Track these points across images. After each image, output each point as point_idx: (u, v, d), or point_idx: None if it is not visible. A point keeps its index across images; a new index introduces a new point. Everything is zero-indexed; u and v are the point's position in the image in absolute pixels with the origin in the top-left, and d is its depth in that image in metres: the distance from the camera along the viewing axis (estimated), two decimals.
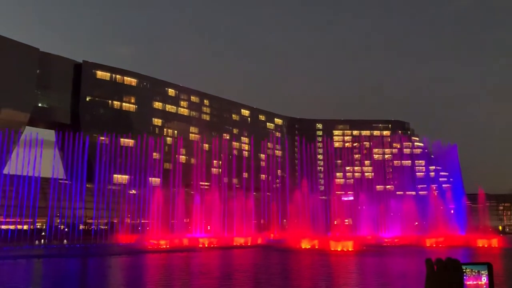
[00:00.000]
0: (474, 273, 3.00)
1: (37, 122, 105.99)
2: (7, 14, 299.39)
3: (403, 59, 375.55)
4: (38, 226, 77.56)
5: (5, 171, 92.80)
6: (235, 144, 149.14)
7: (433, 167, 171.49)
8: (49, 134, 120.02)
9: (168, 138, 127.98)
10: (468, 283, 2.98)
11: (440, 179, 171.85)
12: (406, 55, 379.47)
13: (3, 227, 72.95)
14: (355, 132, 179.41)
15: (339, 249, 59.58)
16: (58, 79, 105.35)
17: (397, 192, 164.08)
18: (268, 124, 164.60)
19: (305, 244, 65.28)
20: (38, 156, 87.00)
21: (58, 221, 79.63)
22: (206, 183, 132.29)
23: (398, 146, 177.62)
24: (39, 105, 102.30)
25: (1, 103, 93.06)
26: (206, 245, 70.27)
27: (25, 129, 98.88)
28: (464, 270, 2.99)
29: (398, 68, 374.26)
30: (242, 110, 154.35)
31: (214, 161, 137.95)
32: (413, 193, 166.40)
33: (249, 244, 72.05)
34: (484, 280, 2.99)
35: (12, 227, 73.43)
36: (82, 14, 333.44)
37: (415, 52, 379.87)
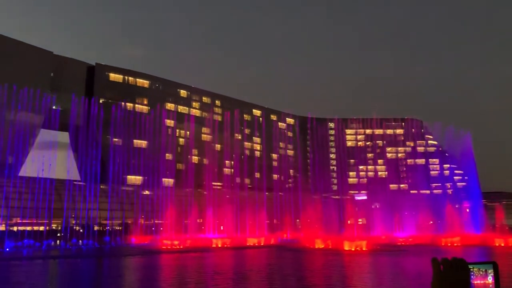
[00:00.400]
0: (481, 272, 3.00)
1: (51, 125, 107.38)
2: (21, 17, 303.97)
3: (417, 55, 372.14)
4: (54, 227, 78.51)
5: (21, 173, 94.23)
6: (247, 144, 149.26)
7: (448, 165, 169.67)
8: (64, 136, 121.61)
9: (181, 139, 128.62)
10: (475, 282, 2.98)
11: (455, 177, 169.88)
12: (420, 51, 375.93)
13: (20, 228, 74.01)
14: (368, 131, 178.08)
15: (353, 249, 59.22)
16: (72, 82, 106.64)
17: (411, 191, 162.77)
18: (280, 123, 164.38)
19: (319, 244, 65.01)
20: (52, 158, 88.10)
21: (74, 222, 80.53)
22: (218, 183, 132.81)
23: (412, 145, 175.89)
24: (53, 107, 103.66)
25: (16, 106, 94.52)
26: (220, 246, 70.38)
27: (39, 132, 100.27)
28: (472, 269, 2.98)
29: (411, 64, 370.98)
30: (253, 110, 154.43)
31: (226, 161, 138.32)
32: (427, 191, 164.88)
33: (262, 244, 72.01)
34: (490, 279, 2.99)
35: (28, 228, 74.46)
36: (94, 17, 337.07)
37: (429, 47, 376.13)
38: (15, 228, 73.89)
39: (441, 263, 3.03)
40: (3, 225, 73.56)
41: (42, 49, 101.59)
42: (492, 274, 3.00)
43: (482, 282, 2.98)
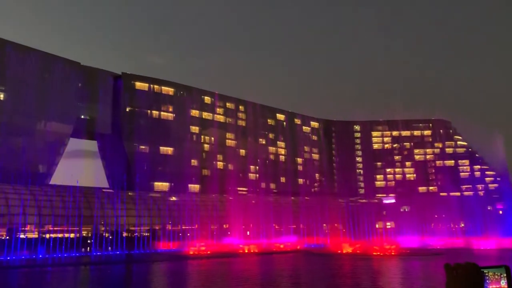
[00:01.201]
0: (496, 277, 2.97)
1: (80, 134, 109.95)
2: (49, 30, 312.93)
3: (444, 55, 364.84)
4: (84, 234, 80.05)
5: (52, 182, 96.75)
6: (271, 148, 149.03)
7: (478, 167, 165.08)
8: (92, 145, 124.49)
9: (205, 145, 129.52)
10: (490, 287, 2.94)
11: (486, 178, 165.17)
12: (446, 51, 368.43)
13: (52, 235, 75.78)
14: (395, 133, 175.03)
15: (381, 253, 58.15)
16: (99, 91, 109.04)
17: (441, 194, 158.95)
18: (304, 127, 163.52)
19: (346, 249, 64.13)
20: (81, 166, 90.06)
21: (103, 229, 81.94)
22: (243, 189, 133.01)
23: (440, 146, 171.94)
24: (82, 117, 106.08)
25: (46, 116, 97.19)
26: (246, 251, 70.30)
27: (69, 141, 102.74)
28: (487, 274, 2.95)
29: (438, 64, 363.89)
30: (277, 114, 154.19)
31: (251, 167, 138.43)
32: (458, 194, 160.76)
33: (288, 249, 71.54)
34: (503, 283, 2.95)
35: (60, 235, 76.18)
36: (119, 27, 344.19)
37: (454, 47, 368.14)
38: (47, 236, 75.70)
39: (454, 268, 2.98)
40: (36, 233, 75.47)
41: (70, 60, 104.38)
42: (505, 277, 2.96)
43: (497, 286, 2.95)
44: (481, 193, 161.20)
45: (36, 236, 74.23)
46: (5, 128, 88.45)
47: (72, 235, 77.42)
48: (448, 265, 2.98)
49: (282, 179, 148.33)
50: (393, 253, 58.43)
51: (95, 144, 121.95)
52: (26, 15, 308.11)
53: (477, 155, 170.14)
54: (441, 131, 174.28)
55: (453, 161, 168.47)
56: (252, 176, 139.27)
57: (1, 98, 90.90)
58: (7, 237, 70.49)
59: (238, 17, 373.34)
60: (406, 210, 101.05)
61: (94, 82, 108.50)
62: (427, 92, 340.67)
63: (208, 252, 68.20)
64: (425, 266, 45.68)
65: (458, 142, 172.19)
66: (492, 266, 3.08)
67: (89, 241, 77.35)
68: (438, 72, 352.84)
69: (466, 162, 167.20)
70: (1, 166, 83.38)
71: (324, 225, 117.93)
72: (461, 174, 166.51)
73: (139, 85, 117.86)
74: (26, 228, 74.29)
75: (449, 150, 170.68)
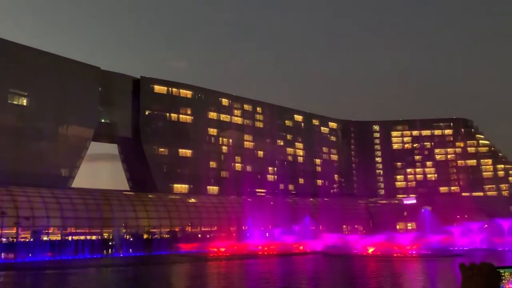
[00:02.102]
0: None
1: (101, 137, 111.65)
2: (70, 37, 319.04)
3: (463, 53, 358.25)
4: (106, 236, 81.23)
5: (74, 185, 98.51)
6: (289, 150, 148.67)
7: (502, 166, 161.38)
8: (113, 148, 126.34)
9: (224, 147, 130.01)
10: (507, 287, 2.97)
11: (510, 178, 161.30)
12: (466, 50, 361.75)
13: (74, 237, 77.16)
14: (415, 133, 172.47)
15: (402, 255, 57.35)
16: (119, 95, 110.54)
17: (463, 194, 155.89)
18: (322, 128, 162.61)
19: (367, 250, 63.38)
20: (103, 169, 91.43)
21: (124, 231, 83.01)
22: (262, 190, 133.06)
23: (462, 145, 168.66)
24: (102, 121, 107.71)
25: (67, 121, 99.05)
26: (265, 252, 70.25)
27: (90, 144, 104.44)
28: (503, 274, 2.98)
29: (458, 63, 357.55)
30: (295, 115, 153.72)
31: (269, 168, 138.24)
32: (481, 194, 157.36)
33: (308, 250, 71.13)
34: None
35: (82, 237, 77.53)
36: (137, 31, 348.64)
37: (475, 46, 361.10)
38: (69, 238, 77.12)
39: (470, 268, 2.95)
40: (59, 235, 76.97)
41: (90, 65, 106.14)
42: None
43: None
44: (505, 193, 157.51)
45: (59, 238, 75.71)
46: (28, 133, 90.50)
47: (94, 237, 78.68)
48: (463, 265, 2.97)
49: (301, 181, 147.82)
50: (414, 254, 57.58)
51: (116, 148, 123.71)
52: (46, 21, 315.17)
53: (500, 154, 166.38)
54: (463, 130, 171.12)
55: (475, 161, 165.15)
56: (270, 177, 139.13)
57: (24, 104, 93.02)
58: (31, 239, 72.10)
59: (255, 20, 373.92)
60: (428, 210, 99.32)
61: (114, 86, 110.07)
62: (448, 91, 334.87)
63: (228, 254, 68.38)
64: (446, 267, 44.87)
65: (480, 141, 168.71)
66: (508, 266, 3.05)
67: (110, 243, 78.46)
68: (459, 71, 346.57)
69: (489, 161, 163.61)
70: (24, 170, 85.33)
71: (344, 226, 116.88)
72: (484, 174, 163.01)
73: (157, 88, 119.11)
74: (49, 231, 75.87)
75: (471, 150, 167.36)
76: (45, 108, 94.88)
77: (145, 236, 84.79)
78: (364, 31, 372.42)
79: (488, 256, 49.57)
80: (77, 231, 79.19)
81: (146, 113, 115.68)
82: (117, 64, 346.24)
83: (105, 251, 75.70)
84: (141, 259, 65.88)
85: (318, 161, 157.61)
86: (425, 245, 63.41)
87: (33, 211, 74.19)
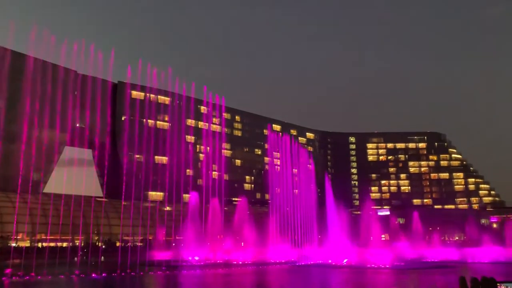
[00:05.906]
0: None
1: (75, 142, 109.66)
2: (47, 38, 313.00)
3: (438, 68, 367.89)
4: (77, 243, 79.38)
5: (45, 190, 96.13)
6: (266, 159, 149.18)
7: (473, 180, 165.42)
8: (88, 153, 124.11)
9: (201, 155, 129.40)
10: None
11: (481, 191, 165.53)
12: (441, 64, 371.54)
13: (44, 244, 75.10)
14: (390, 145, 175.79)
15: (375, 266, 57.88)
16: (95, 100, 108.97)
17: (435, 206, 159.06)
18: (300, 138, 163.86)
19: (340, 261, 63.76)
20: (76, 175, 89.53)
21: (96, 238, 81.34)
22: (238, 199, 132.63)
23: (435, 159, 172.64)
24: (77, 125, 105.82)
25: (41, 124, 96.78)
26: (240, 262, 69.87)
27: (64, 149, 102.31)
28: None
29: (432, 77, 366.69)
30: (273, 125, 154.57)
31: (246, 177, 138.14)
32: (452, 206, 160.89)
33: (283, 260, 71.13)
34: None
35: (52, 244, 75.50)
36: (116, 36, 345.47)
37: (450, 60, 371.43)
38: (39, 244, 74.99)
39: (470, 282, 2.96)
40: (28, 241, 74.81)
41: (66, 68, 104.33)
42: None
43: None
44: (475, 206, 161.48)
45: (28, 244, 73.51)
46: (0, 135, 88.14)
47: (64, 244, 76.72)
48: (463, 279, 2.95)
49: (277, 190, 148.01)
50: (387, 266, 58.18)
51: (91, 153, 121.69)
52: (21, 21, 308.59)
53: (471, 168, 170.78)
54: (436, 144, 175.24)
55: (447, 174, 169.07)
56: (247, 186, 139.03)
57: None
58: None
59: (234, 30, 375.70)
60: (401, 222, 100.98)
61: (90, 90, 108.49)
62: (422, 105, 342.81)
63: (202, 263, 67.73)
64: (423, 279, 45.51)
65: (453, 155, 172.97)
66: (510, 281, 3.06)
67: (84, 250, 76.66)
68: (433, 85, 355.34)
69: (461, 175, 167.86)
70: None
71: (319, 236, 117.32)
72: (456, 187, 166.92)
73: (135, 94, 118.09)
74: (18, 237, 73.62)
75: (443, 163, 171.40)
76: (17, 111, 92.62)
77: (118, 244, 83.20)
78: (342, 45, 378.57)
79: (460, 269, 50.61)
80: (48, 237, 77.13)
81: (122, 118, 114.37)
82: (94, 69, 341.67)
83: (75, 258, 73.78)
84: (114, 267, 64.40)
85: (295, 171, 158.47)
86: (398, 257, 64.18)
87: (1, 216, 71.95)
